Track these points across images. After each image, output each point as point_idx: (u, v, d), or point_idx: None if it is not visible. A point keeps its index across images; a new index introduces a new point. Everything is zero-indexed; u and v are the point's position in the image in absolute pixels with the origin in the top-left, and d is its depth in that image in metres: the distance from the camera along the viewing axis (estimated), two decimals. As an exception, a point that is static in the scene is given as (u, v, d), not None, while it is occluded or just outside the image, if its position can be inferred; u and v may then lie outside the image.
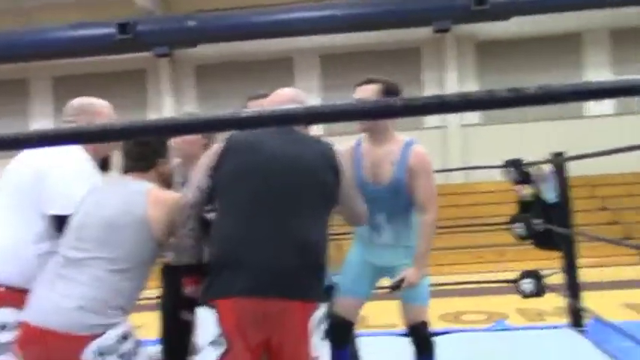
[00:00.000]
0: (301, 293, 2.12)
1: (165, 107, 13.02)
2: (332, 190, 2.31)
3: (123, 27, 10.81)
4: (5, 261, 2.26)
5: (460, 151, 12.31)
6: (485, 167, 5.57)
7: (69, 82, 13.28)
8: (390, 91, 2.90)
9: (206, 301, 2.14)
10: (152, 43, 11.24)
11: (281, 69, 13.03)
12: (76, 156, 2.39)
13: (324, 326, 2.25)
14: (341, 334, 3.00)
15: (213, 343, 2.09)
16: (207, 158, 2.32)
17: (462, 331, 5.07)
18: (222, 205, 2.26)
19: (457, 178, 11.68)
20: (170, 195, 2.30)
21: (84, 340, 1.98)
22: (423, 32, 12.35)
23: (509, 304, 5.60)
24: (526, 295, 4.26)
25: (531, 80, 12.35)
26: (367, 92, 2.90)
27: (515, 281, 4.30)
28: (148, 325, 3.05)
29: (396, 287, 2.89)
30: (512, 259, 8.94)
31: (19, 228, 2.28)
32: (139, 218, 2.17)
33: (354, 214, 2.55)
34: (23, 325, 2.05)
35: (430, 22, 11.52)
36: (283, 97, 2.51)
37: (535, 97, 1.02)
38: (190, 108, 12.84)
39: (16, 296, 2.17)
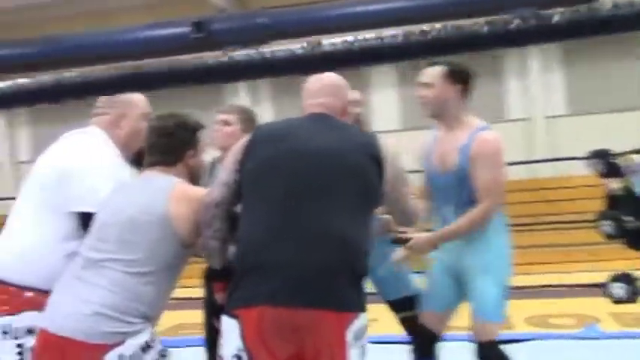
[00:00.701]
0: (335, 302, 1.85)
1: (242, 103, 13.06)
2: (373, 185, 2.05)
3: (198, 26, 10.90)
4: (31, 262, 2.17)
5: (546, 144, 11.67)
6: (567, 159, 5.18)
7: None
8: (456, 73, 2.79)
9: (228, 311, 1.93)
10: (226, 42, 11.28)
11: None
12: (104, 152, 2.30)
13: (365, 339, 1.95)
14: (425, 345, 2.91)
15: (235, 356, 1.87)
16: (234, 151, 2.11)
17: (549, 337, 4.71)
18: (247, 202, 2.03)
19: (545, 172, 11.07)
20: (197, 190, 2.12)
21: (102, 349, 1.85)
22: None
23: (602, 307, 5.21)
24: (616, 301, 3.87)
25: (622, 68, 11.62)
26: (431, 75, 2.80)
27: (604, 285, 3.91)
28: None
29: (399, 241, 2.72)
30: (605, 259, 8.39)
31: (45, 228, 2.20)
32: (160, 216, 2.00)
33: (402, 214, 2.26)
34: (41, 332, 1.95)
35: (513, 8, 11.00)
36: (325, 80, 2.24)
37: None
38: (266, 105, 12.86)
39: (42, 299, 2.07)
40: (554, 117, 11.88)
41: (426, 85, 2.82)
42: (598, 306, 5.40)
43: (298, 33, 11.37)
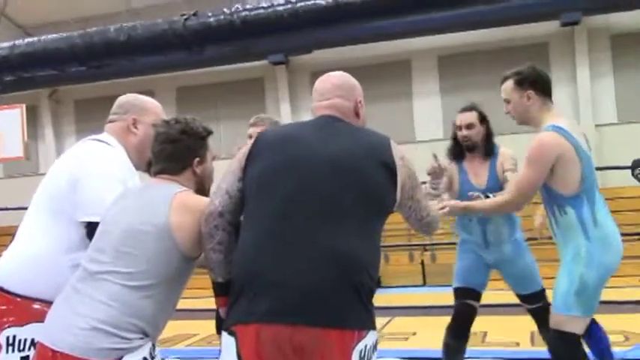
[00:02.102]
0: (338, 320, 1.72)
1: (283, 114, 13.09)
2: (383, 192, 1.92)
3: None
4: (38, 272, 2.13)
5: (595, 153, 11.31)
6: (611, 168, 4.94)
7: (191, 92, 13.75)
8: (523, 81, 2.97)
9: (227, 327, 1.82)
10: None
11: (398, 71, 12.71)
12: (114, 160, 2.24)
13: (374, 358, 1.83)
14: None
15: None
16: (237, 159, 1.99)
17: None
18: (248, 214, 1.92)
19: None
20: (200, 200, 2.01)
21: None
22: (550, 26, 11.53)
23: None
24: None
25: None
26: (505, 91, 3.03)
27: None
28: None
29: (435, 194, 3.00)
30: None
31: (52, 237, 2.16)
32: (160, 227, 1.91)
33: (419, 223, 2.14)
34: (38, 345, 1.88)
35: (558, 14, 10.73)
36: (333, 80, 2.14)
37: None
38: (306, 115, 12.84)
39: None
40: (603, 125, 11.52)
41: (506, 100, 3.05)
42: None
43: (341, 42, 11.29)
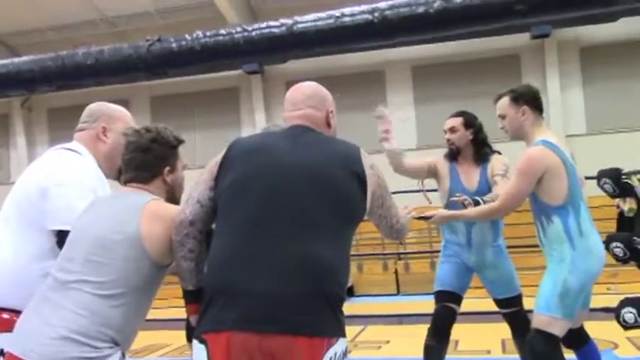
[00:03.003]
0: (307, 328, 1.73)
1: (258, 124, 13.10)
2: (353, 201, 1.93)
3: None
4: (8, 282, 2.11)
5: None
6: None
7: (165, 101, 13.70)
8: (519, 96, 3.11)
9: (197, 335, 1.82)
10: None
11: (373, 82, 12.81)
12: (83, 168, 2.23)
13: None
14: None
15: None
16: (209, 168, 2.00)
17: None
18: (219, 222, 1.93)
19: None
20: (171, 208, 2.01)
21: None
22: (522, 39, 11.74)
23: (619, 330, 5.07)
24: (627, 327, 3.72)
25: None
26: (500, 107, 3.17)
27: (614, 310, 3.76)
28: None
29: (423, 217, 3.29)
30: (625, 281, 8.18)
31: (22, 246, 2.14)
32: (130, 236, 1.90)
33: (390, 230, 2.18)
34: (7, 355, 1.86)
35: (529, 27, 10.91)
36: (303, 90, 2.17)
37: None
38: (281, 124, 12.86)
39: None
40: (573, 136, 11.74)
41: (501, 116, 3.19)
42: (615, 330, 5.26)
43: (316, 52, 11.37)
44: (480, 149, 3.73)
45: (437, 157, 3.86)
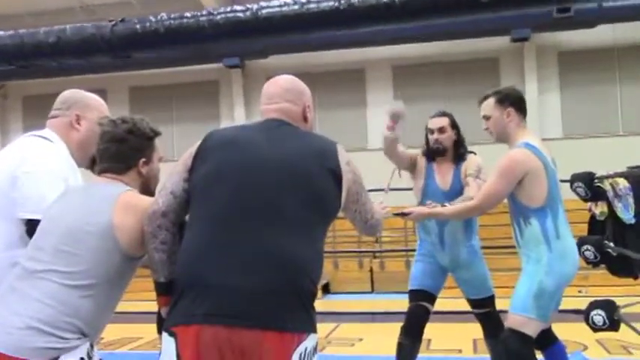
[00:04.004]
0: (278, 323, 1.73)
1: (237, 118, 13.04)
2: (328, 197, 1.92)
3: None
4: None
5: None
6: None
7: (144, 92, 13.58)
8: (504, 98, 3.13)
9: (167, 327, 1.80)
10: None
11: (353, 80, 12.81)
12: (54, 156, 2.19)
13: None
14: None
15: None
16: (184, 159, 1.98)
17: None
18: (192, 215, 1.91)
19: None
20: (145, 200, 1.99)
21: None
22: (501, 41, 11.83)
23: (588, 332, 5.16)
24: (596, 329, 3.77)
25: (617, 93, 11.62)
26: (486, 108, 3.17)
27: (583, 312, 3.81)
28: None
29: (401, 214, 3.34)
30: (595, 284, 8.30)
31: None
32: (102, 227, 1.88)
33: (364, 225, 2.19)
34: None
35: (508, 30, 11.01)
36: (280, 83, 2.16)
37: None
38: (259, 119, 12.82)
39: None
40: (548, 140, 11.87)
41: (485, 117, 3.19)
42: (584, 332, 5.33)
43: (296, 48, 11.33)
44: (460, 149, 3.75)
45: (417, 151, 3.87)
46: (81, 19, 12.80)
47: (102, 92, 13.95)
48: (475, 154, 3.78)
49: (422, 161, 3.82)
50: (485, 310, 3.71)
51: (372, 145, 12.32)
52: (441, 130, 3.72)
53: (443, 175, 3.74)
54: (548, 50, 12.10)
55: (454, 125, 3.76)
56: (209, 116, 13.37)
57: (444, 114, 3.80)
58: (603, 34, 11.07)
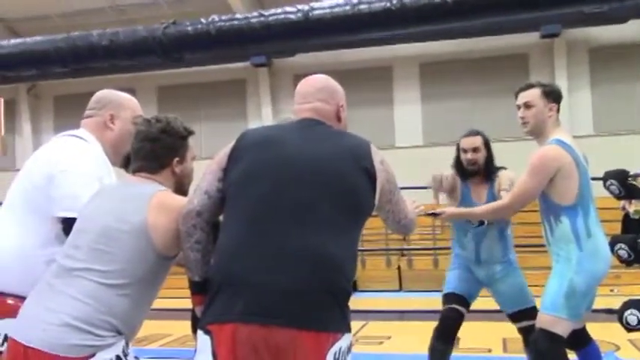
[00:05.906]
0: (313, 322, 1.72)
1: (264, 116, 13.10)
2: (362, 197, 1.92)
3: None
4: (13, 268, 2.10)
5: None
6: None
7: (172, 91, 13.70)
8: (551, 93, 3.07)
9: (202, 326, 1.81)
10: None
11: (380, 78, 12.78)
12: (89, 156, 2.22)
13: None
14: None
15: None
16: (218, 159, 1.98)
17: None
18: (228, 214, 1.91)
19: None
20: (179, 199, 2.00)
21: None
22: (531, 38, 11.69)
23: (621, 332, 5.07)
24: (630, 329, 3.70)
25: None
26: (530, 96, 3.08)
27: (616, 311, 3.74)
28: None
29: (432, 214, 3.37)
30: (628, 283, 8.16)
31: (27, 233, 2.13)
32: (136, 226, 1.89)
33: (397, 224, 2.17)
34: (9, 341, 1.86)
35: (538, 26, 10.86)
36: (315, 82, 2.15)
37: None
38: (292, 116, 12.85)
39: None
40: (580, 137, 11.70)
41: (526, 105, 3.09)
42: (617, 332, 5.25)
43: (324, 46, 11.32)
44: (491, 166, 3.71)
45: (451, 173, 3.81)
46: (110, 19, 12.98)
47: (131, 92, 13.90)
48: (506, 169, 3.74)
49: (457, 182, 3.78)
50: (527, 324, 3.48)
51: (400, 142, 12.29)
52: (475, 150, 3.67)
53: (478, 193, 3.71)
54: (578, 46, 11.93)
55: (487, 143, 3.72)
56: (236, 115, 13.46)
57: (477, 133, 3.75)
58: (635, 29, 10.87)
